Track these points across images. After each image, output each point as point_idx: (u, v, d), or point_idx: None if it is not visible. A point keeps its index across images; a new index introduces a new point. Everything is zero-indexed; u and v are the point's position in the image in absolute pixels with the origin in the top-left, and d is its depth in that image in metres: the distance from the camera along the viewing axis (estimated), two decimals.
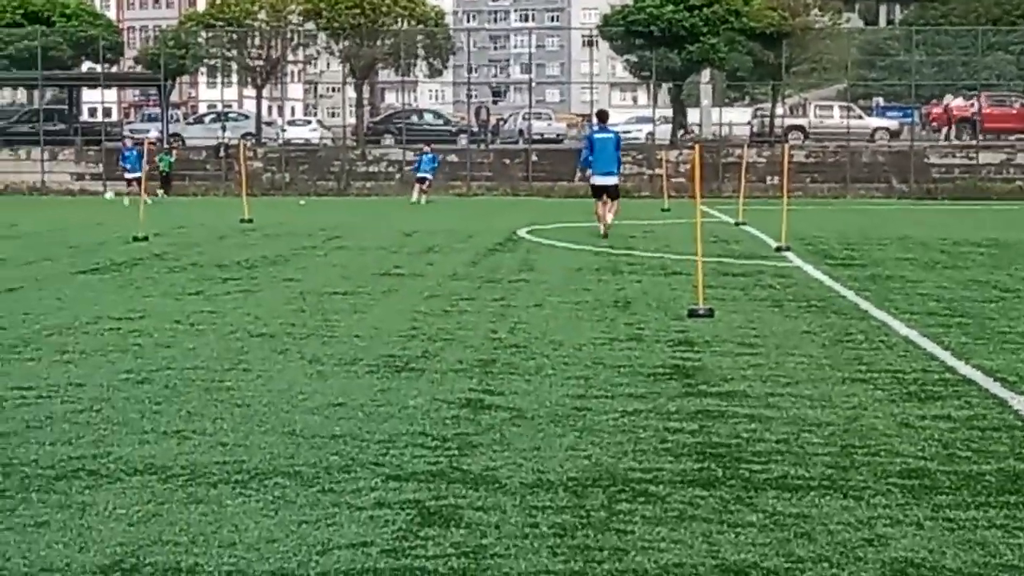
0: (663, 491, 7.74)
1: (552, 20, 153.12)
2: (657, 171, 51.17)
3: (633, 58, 62.92)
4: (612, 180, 28.06)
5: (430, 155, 49.91)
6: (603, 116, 29.36)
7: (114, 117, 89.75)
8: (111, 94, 76.80)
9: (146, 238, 27.06)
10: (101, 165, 58.63)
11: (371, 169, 58.39)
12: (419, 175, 49.44)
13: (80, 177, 58.92)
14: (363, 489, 7.75)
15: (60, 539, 6.77)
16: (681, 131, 63.76)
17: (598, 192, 28.10)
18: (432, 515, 7.24)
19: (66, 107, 70.23)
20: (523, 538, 6.84)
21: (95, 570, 6.31)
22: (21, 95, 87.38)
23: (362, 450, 8.72)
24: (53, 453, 8.59)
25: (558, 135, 68.93)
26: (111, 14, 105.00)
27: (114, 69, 70.52)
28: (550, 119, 72.10)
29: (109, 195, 43.15)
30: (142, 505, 7.39)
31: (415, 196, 48.31)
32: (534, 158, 57.50)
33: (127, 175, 47.64)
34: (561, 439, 9.06)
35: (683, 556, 6.57)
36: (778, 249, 24.64)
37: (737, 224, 32.15)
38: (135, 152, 46.85)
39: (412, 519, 7.16)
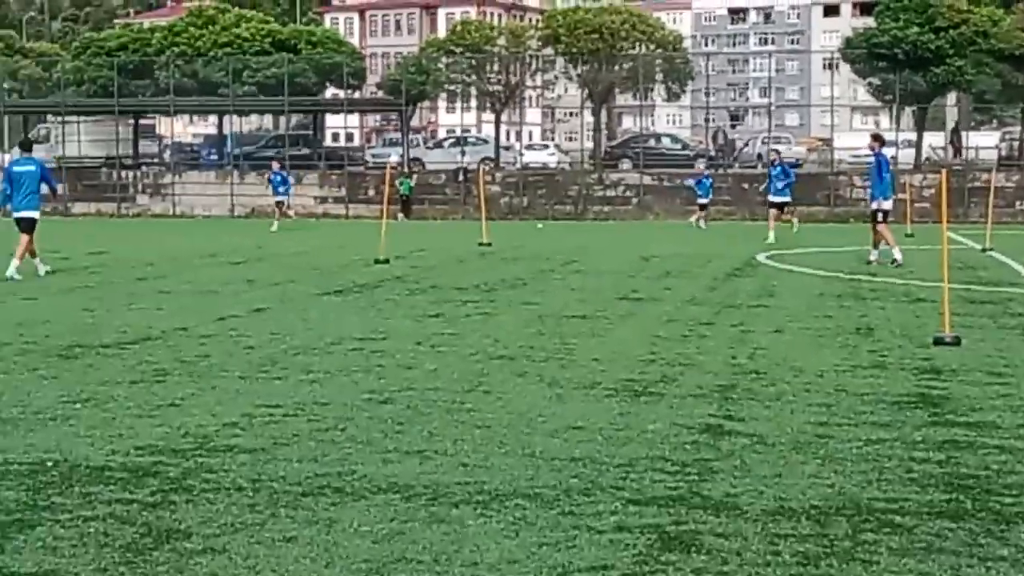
0: (909, 522, 7.55)
1: (792, 43, 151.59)
2: (901, 196, 50.15)
3: (876, 81, 61.84)
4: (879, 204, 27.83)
5: (707, 180, 49.40)
6: (878, 139, 29.39)
7: (356, 142, 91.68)
8: (353, 119, 78.39)
9: (387, 261, 27.54)
10: (344, 188, 59.94)
11: (608, 193, 58.48)
12: (701, 200, 48.75)
13: (323, 200, 60.31)
14: (603, 512, 7.74)
15: (308, 554, 6.91)
16: (938, 151, 62.47)
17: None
18: (672, 540, 7.19)
19: (310, 132, 72.05)
20: (765, 566, 6.75)
21: None
22: (268, 121, 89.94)
23: (601, 473, 8.72)
24: (300, 470, 8.77)
25: (797, 159, 68.06)
26: (355, 41, 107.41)
27: (357, 95, 71.98)
28: (790, 143, 71.27)
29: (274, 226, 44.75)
30: (386, 523, 7.49)
31: (696, 221, 47.99)
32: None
33: (275, 198, 48.34)
34: (803, 466, 8.92)
35: None
36: None
37: (984, 250, 31.31)
38: (279, 176, 47.92)
39: (652, 543, 7.12)
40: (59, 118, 67.72)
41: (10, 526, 7.38)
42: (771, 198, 39.31)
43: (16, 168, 24.82)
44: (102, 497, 8.02)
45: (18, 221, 24.38)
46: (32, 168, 24.60)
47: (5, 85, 70.43)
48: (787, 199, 39.32)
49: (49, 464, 8.90)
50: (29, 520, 7.50)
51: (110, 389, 11.91)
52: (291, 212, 48.78)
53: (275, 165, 49.37)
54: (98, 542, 7.08)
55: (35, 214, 24.41)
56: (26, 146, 26.15)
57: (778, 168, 39.36)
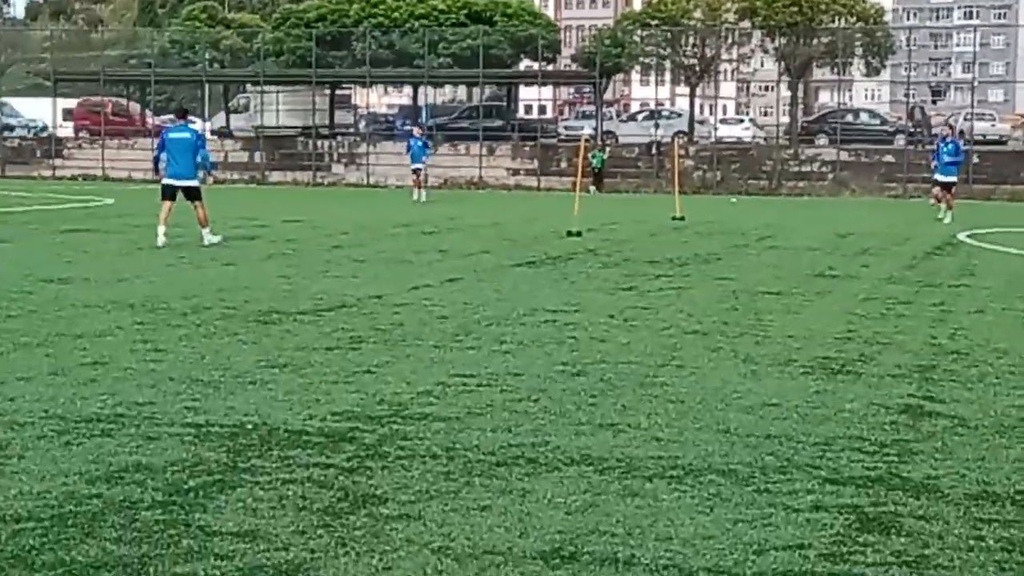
0: None
1: (998, 17, 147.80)
2: None
3: None
4: None
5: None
6: None
7: (548, 114, 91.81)
8: (547, 91, 78.31)
9: (579, 233, 27.53)
10: (536, 161, 60.09)
11: (803, 169, 57.74)
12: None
13: (516, 172, 60.52)
14: (799, 491, 7.63)
15: (501, 523, 6.92)
16: None
17: None
18: (871, 521, 7.05)
19: (504, 104, 72.35)
20: (967, 551, 6.58)
21: (535, 555, 6.42)
22: (461, 92, 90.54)
23: (797, 452, 8.59)
24: (494, 440, 8.80)
25: (1001, 136, 66.40)
26: (550, 13, 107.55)
27: (551, 67, 72.05)
28: (993, 120, 69.53)
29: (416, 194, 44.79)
30: (579, 495, 7.48)
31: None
32: (975, 160, 55.58)
33: (413, 165, 46.48)
34: (1008, 451, 8.69)
35: None
36: None
37: None
38: (420, 142, 46.59)
39: (850, 524, 6.99)
40: (258, 88, 68.98)
41: (212, 486, 7.53)
42: (937, 176, 37.35)
43: (171, 135, 24.75)
44: (300, 461, 8.14)
45: (175, 189, 24.32)
46: (187, 135, 24.57)
47: (207, 55, 71.93)
48: (954, 179, 37.13)
49: (249, 427, 9.06)
50: (230, 481, 7.64)
51: (307, 355, 12.09)
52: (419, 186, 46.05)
53: (416, 131, 48.19)
54: (296, 505, 7.18)
55: (194, 182, 24.43)
56: (181, 113, 26.11)
57: (950, 144, 36.95)
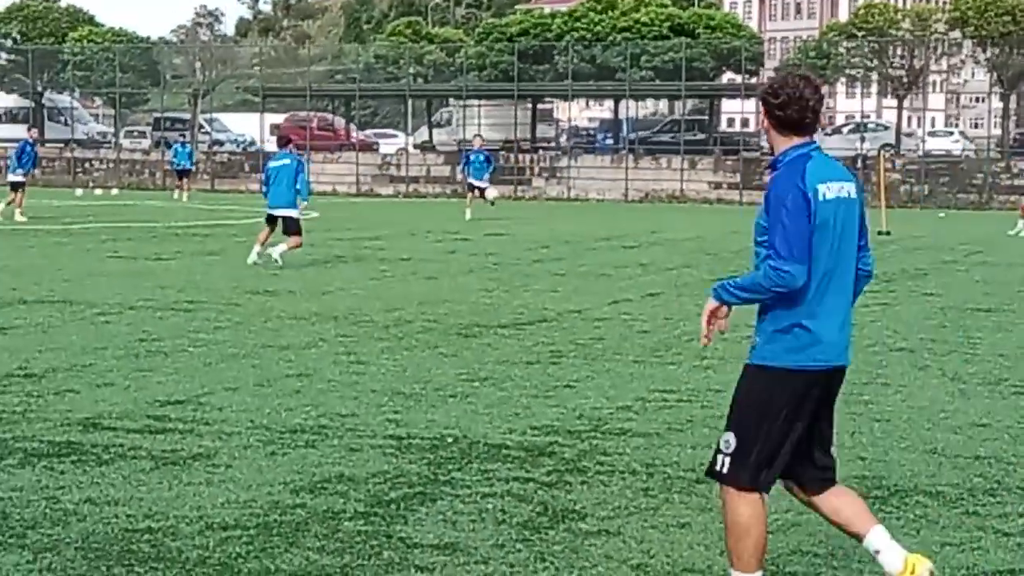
0: None
1: None
2: None
3: None
4: None
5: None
6: None
7: (751, 128, 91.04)
8: (750, 105, 77.59)
9: None
10: (738, 175, 59.60)
11: (1016, 183, 56.25)
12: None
13: (717, 186, 60.11)
14: (1010, 514, 7.41)
15: (701, 541, 6.86)
16: None
17: None
18: None
19: (706, 117, 71.92)
20: None
21: None
22: (663, 105, 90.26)
23: (1008, 473, 8.36)
24: (694, 456, 8.72)
25: None
26: (753, 25, 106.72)
27: (754, 80, 71.42)
28: None
29: None
30: (781, 514, 7.34)
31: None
32: None
33: (471, 180, 40.07)
34: None
35: None
36: None
37: None
38: (481, 155, 39.79)
39: None
40: (460, 102, 69.65)
41: (413, 498, 7.59)
42: None
43: (272, 163, 23.95)
44: (500, 474, 8.17)
45: (274, 218, 23.13)
46: (287, 163, 23.39)
47: (411, 70, 72.90)
48: None
49: (449, 440, 9.12)
50: (431, 493, 7.70)
51: (507, 369, 12.14)
52: (489, 195, 39.83)
53: (476, 142, 42.08)
54: (496, 518, 7.20)
55: (292, 212, 22.96)
56: (284, 141, 24.80)
57: None
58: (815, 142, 6.03)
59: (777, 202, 5.83)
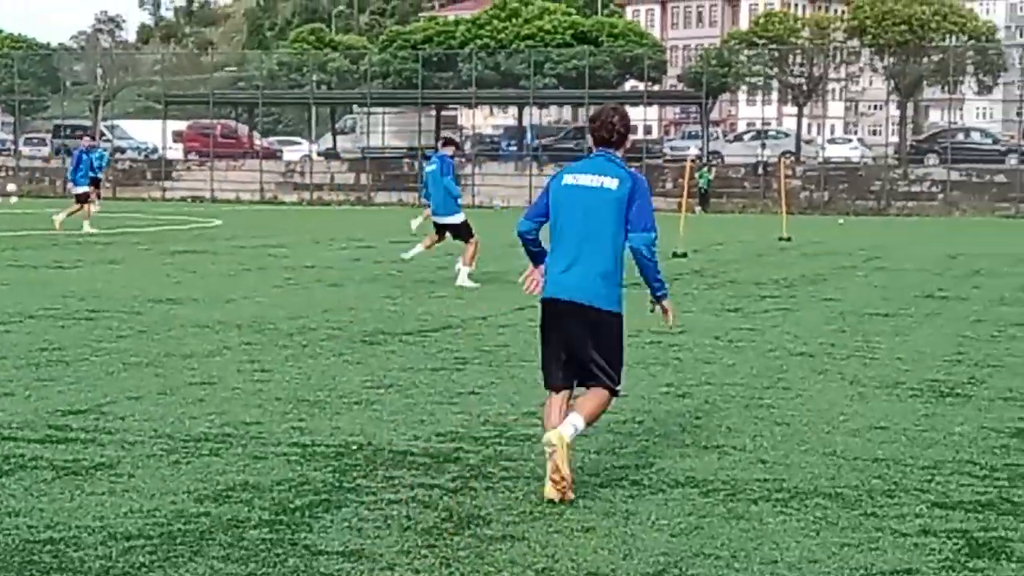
0: None
1: None
2: None
3: None
4: None
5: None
6: None
7: (654, 134, 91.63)
8: (652, 112, 78.17)
9: (685, 254, 27.44)
10: None
11: (913, 189, 57.15)
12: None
13: None
14: (907, 515, 7.54)
15: (605, 545, 6.91)
16: None
17: None
18: (981, 546, 6.95)
19: None
20: None
21: None
22: (567, 112, 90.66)
23: (905, 475, 8.49)
24: (598, 461, 8.79)
25: None
26: (656, 33, 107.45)
27: (656, 87, 71.98)
28: None
29: None
30: (684, 517, 7.44)
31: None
32: None
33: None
34: None
35: None
36: None
37: None
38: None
39: (959, 549, 6.90)
40: (364, 109, 69.55)
41: (318, 506, 7.58)
42: None
43: (426, 168, 22.76)
44: (405, 481, 8.18)
45: (440, 227, 22.02)
46: (434, 167, 21.85)
47: (314, 77, 72.67)
48: None
49: (354, 447, 9.11)
50: (336, 501, 7.69)
51: (412, 376, 12.15)
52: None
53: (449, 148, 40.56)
54: (401, 525, 7.22)
55: (450, 218, 21.58)
56: (445, 141, 23.52)
57: None
58: (606, 153, 8.13)
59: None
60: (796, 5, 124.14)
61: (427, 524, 7.24)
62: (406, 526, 7.20)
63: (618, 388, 8.16)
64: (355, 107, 74.08)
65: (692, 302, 18.83)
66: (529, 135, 68.69)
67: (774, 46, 64.56)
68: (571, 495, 7.67)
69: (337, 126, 74.45)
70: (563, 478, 7.65)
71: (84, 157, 34.91)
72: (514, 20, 69.73)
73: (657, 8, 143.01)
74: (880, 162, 64.27)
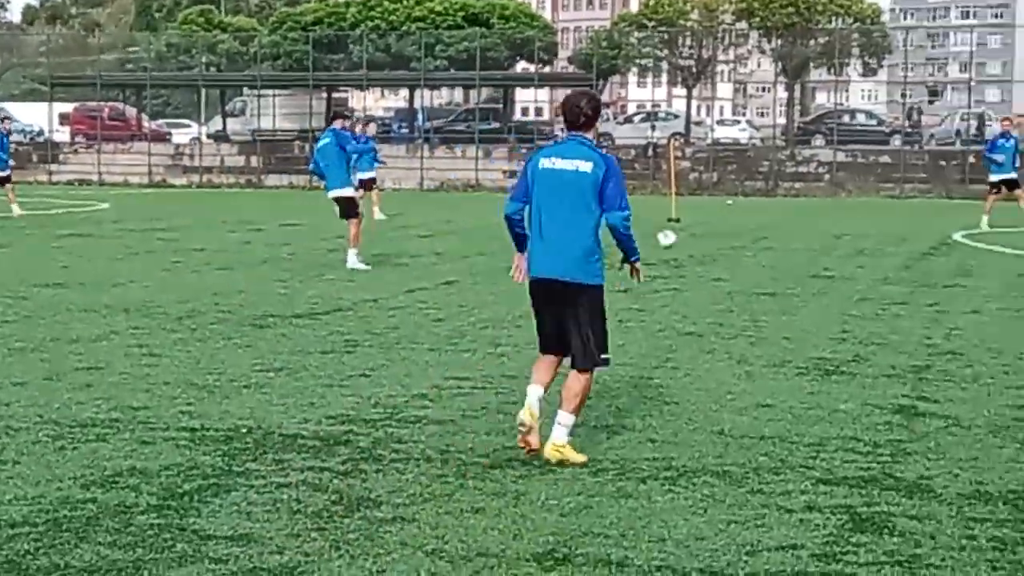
0: None
1: (996, 17, 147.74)
2: None
3: None
4: None
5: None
6: None
7: (545, 116, 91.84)
8: (544, 94, 78.57)
9: None
10: None
11: (800, 170, 57.67)
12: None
13: (512, 175, 60.41)
14: (792, 492, 7.65)
15: (495, 525, 6.95)
16: None
17: None
18: (864, 521, 7.07)
19: (500, 106, 72.33)
20: (960, 550, 6.61)
21: (529, 557, 6.44)
22: (458, 95, 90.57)
23: (791, 452, 8.62)
24: (488, 443, 8.83)
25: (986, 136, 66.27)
26: (547, 15, 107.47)
27: (547, 69, 72.02)
28: (990, 119, 69.43)
29: None
30: (573, 497, 7.50)
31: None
32: (971, 160, 55.60)
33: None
34: (1001, 450, 8.72)
35: None
36: None
37: None
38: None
39: (843, 524, 7.02)
40: (254, 91, 68.98)
41: (207, 490, 7.54)
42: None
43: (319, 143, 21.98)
44: (295, 464, 8.16)
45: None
46: (327, 140, 21.39)
47: (203, 59, 71.94)
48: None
49: (244, 431, 9.08)
50: (225, 485, 7.66)
51: (302, 359, 12.11)
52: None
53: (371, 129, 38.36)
54: (291, 508, 7.20)
55: (338, 191, 21.24)
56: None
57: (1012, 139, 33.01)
58: (578, 137, 8.69)
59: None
60: None
61: (317, 507, 7.24)
62: (296, 509, 7.19)
63: (607, 356, 8.75)
64: (245, 89, 73.39)
65: None
66: (420, 117, 68.51)
67: (663, 28, 64.83)
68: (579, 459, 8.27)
69: (227, 108, 73.69)
70: (532, 446, 8.39)
71: (5, 140, 34.47)
72: (405, 2, 69.36)
73: None
74: (768, 143, 64.81)
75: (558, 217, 8.56)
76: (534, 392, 8.53)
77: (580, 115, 8.69)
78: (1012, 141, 32.93)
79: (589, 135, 8.76)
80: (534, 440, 8.37)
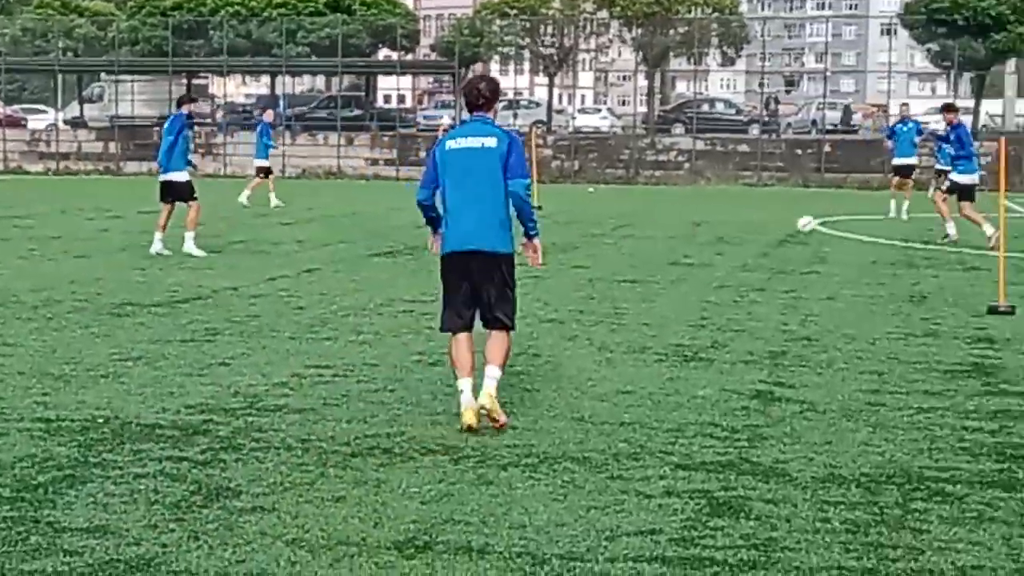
0: (960, 491, 7.51)
1: (850, 8, 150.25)
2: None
3: (934, 47, 61.31)
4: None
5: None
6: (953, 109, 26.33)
7: (408, 104, 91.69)
8: (406, 81, 78.33)
9: None
10: (395, 151, 59.93)
11: (660, 158, 58.19)
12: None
13: (375, 162, 60.26)
14: (652, 477, 7.73)
15: (356, 514, 6.93)
16: (996, 119, 61.97)
17: None
18: (721, 505, 7.17)
19: (363, 94, 72.03)
20: (814, 532, 6.73)
21: (390, 546, 6.43)
22: (320, 82, 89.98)
23: (651, 438, 8.71)
24: (349, 431, 8.80)
25: (853, 125, 67.51)
26: (408, 2, 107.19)
27: (409, 57, 71.85)
28: (854, 111, 70.59)
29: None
30: (434, 484, 7.51)
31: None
32: (827, 149, 56.54)
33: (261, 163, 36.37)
34: (854, 434, 8.88)
35: (982, 558, 6.37)
36: None
37: None
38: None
39: (701, 509, 7.11)
40: (112, 77, 67.96)
41: (62, 481, 7.43)
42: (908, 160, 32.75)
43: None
44: (153, 455, 8.07)
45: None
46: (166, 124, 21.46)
47: (60, 44, 70.69)
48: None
49: (100, 421, 8.96)
50: (81, 476, 7.56)
51: (161, 347, 11.98)
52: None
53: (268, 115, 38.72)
54: (148, 499, 7.12)
55: (169, 175, 20.97)
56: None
57: (911, 124, 33.50)
58: (481, 117, 9.32)
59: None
60: None
61: (175, 497, 7.17)
62: (153, 500, 7.11)
63: (514, 323, 9.53)
64: (103, 75, 72.31)
65: None
66: (282, 104, 68.02)
67: (525, 17, 65.07)
68: (504, 420, 8.95)
69: (84, 94, 72.51)
70: (498, 420, 8.90)
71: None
72: None
73: None
74: (629, 132, 65.28)
75: (471, 192, 9.13)
76: (467, 386, 8.99)
77: (479, 96, 9.34)
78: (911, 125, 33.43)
79: (490, 114, 9.42)
80: (499, 418, 8.91)
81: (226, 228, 26.62)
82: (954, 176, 24.05)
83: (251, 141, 57.30)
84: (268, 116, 38.33)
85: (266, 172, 35.55)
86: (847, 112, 67.13)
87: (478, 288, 9.24)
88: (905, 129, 33.31)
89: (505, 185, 9.17)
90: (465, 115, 10.05)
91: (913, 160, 33.02)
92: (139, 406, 9.46)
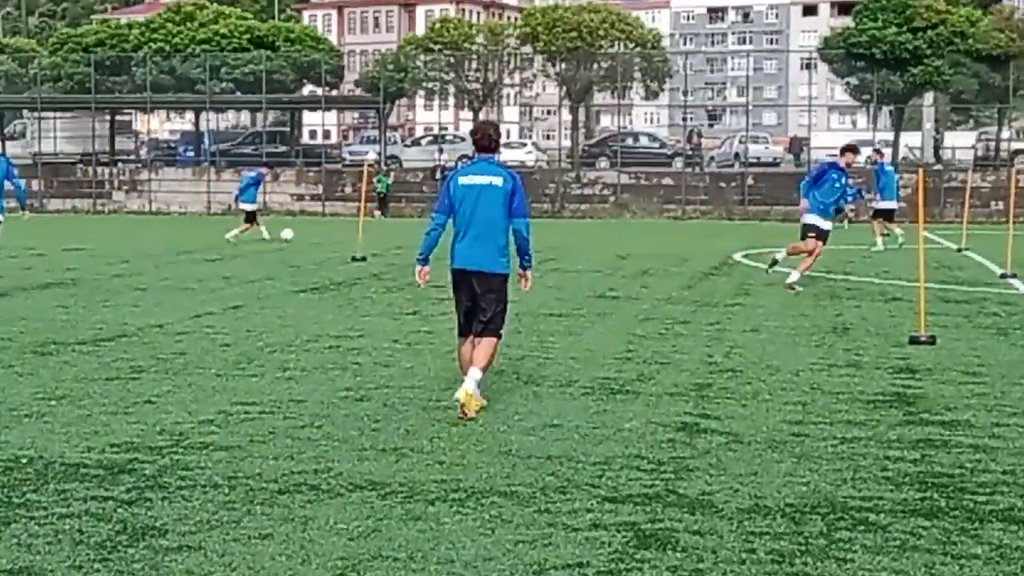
0: (883, 520, 7.59)
1: (770, 43, 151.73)
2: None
3: (853, 80, 62.08)
4: None
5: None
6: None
7: (333, 139, 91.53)
8: (331, 116, 78.22)
9: (364, 258, 27.52)
10: (321, 186, 59.84)
11: (585, 192, 58.49)
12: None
13: (300, 198, 60.18)
14: (579, 510, 7.77)
15: (283, 551, 6.91)
16: (915, 151, 62.78)
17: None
18: (648, 538, 7.21)
19: (288, 129, 71.90)
20: (740, 563, 6.78)
21: None
22: (245, 118, 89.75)
23: (577, 471, 8.74)
24: (276, 468, 8.78)
25: (775, 159, 68.13)
26: (333, 38, 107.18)
27: (334, 92, 71.82)
28: (767, 142, 71.29)
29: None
30: (362, 520, 7.50)
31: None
32: (750, 181, 57.02)
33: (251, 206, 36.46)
34: (779, 465, 8.96)
35: None
36: (1003, 276, 24.01)
37: (960, 250, 31.37)
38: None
39: (628, 541, 7.14)
40: (35, 114, 67.46)
41: None
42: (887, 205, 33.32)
43: None
44: (77, 494, 8.01)
45: None
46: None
47: None
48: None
49: (24, 461, 8.88)
50: (3, 517, 7.49)
51: (85, 386, 11.89)
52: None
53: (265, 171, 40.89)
54: (73, 539, 7.07)
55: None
56: None
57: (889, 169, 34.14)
58: (488, 158, 11.11)
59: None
60: (470, 12, 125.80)
61: (100, 537, 7.12)
62: (78, 540, 7.06)
63: (502, 332, 11.20)
64: (25, 112, 71.80)
65: (371, 306, 18.94)
66: (207, 140, 67.76)
67: (450, 52, 65.27)
68: (471, 415, 10.49)
69: (6, 131, 71.96)
70: (466, 413, 10.47)
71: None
72: (189, 24, 68.53)
73: (334, 13, 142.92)
74: (554, 166, 65.59)
75: (478, 221, 10.95)
76: (467, 378, 10.67)
77: (491, 141, 11.16)
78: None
79: (496, 156, 11.18)
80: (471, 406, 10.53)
81: (151, 265, 26.46)
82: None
83: (175, 178, 57.04)
84: (265, 171, 41.15)
85: (252, 216, 35.81)
86: (795, 143, 67.92)
87: (475, 299, 10.99)
88: (892, 171, 33.93)
89: (508, 219, 10.96)
90: (470, 152, 11.40)
91: (896, 205, 33.48)
92: (63, 445, 9.39)
